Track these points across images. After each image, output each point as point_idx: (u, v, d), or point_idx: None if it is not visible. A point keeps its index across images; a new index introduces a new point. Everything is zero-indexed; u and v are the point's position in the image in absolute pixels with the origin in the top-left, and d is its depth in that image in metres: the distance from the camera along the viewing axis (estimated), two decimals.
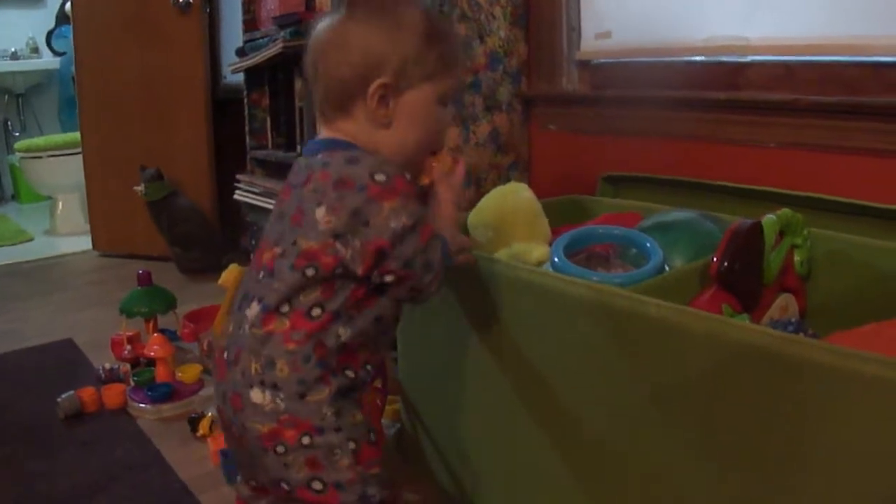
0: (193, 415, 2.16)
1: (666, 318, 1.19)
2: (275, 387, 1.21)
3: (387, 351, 1.39)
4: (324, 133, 1.33)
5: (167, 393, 2.31)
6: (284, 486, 1.23)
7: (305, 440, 1.20)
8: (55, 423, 2.24)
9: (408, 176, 1.24)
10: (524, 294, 1.42)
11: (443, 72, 1.30)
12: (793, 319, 1.46)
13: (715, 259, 1.43)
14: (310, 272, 1.21)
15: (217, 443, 1.97)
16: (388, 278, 1.22)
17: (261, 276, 1.26)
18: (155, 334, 2.48)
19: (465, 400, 1.62)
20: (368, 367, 1.29)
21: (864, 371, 0.96)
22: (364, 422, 1.27)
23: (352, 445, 1.22)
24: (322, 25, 1.31)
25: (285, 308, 1.22)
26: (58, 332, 3.03)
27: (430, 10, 1.32)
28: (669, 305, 1.20)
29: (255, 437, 1.23)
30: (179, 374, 2.40)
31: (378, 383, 1.78)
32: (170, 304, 2.65)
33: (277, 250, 1.25)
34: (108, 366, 2.50)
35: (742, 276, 1.44)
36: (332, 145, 1.28)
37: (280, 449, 1.21)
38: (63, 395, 2.28)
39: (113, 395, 2.33)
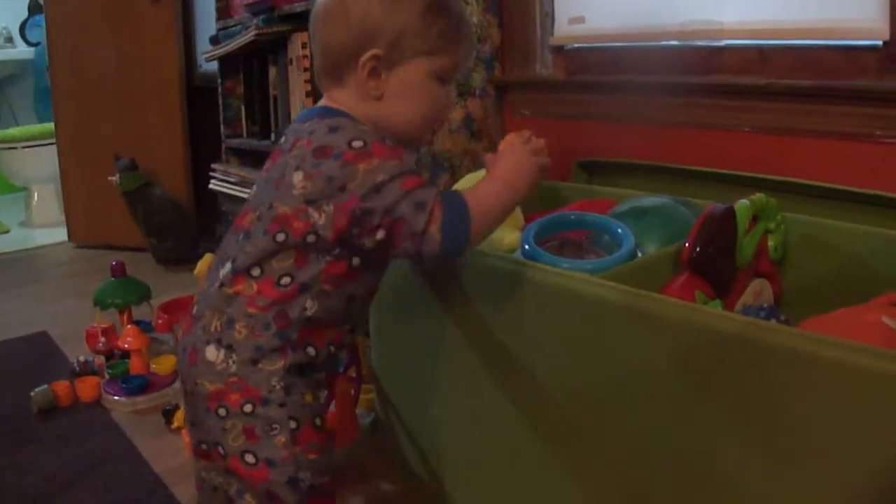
0: (168, 407, 2.15)
1: (636, 305, 1.18)
2: (230, 347, 1.21)
3: (358, 331, 1.36)
4: (321, 101, 1.31)
5: (141, 385, 2.29)
6: (221, 450, 1.23)
7: (247, 408, 1.20)
8: (29, 417, 2.23)
9: (389, 142, 1.20)
10: (496, 282, 1.41)
11: (442, 48, 1.26)
12: (765, 305, 1.46)
13: (687, 245, 1.42)
14: (280, 237, 1.19)
15: None
16: (380, 235, 1.17)
17: (240, 237, 1.25)
18: (129, 326, 2.45)
19: (439, 389, 1.61)
20: (332, 347, 1.28)
21: (832, 357, 0.96)
22: (313, 405, 1.26)
23: (292, 424, 1.21)
24: None
25: (256, 272, 1.21)
26: (32, 324, 3.02)
27: None
28: (639, 292, 1.19)
29: (202, 396, 1.23)
30: (154, 366, 2.39)
31: (352, 371, 1.78)
32: (143, 295, 2.63)
33: (256, 214, 1.24)
34: (82, 358, 2.49)
35: (715, 262, 1.43)
36: (323, 113, 1.25)
37: (222, 411, 1.21)
38: (37, 389, 2.26)
39: (87, 388, 2.31)
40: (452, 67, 1.30)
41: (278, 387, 1.21)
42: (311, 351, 1.25)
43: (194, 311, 1.29)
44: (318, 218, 1.18)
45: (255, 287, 1.21)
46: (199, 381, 1.23)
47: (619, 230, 1.54)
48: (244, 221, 1.26)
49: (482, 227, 1.22)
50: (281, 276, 1.20)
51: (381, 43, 1.22)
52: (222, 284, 1.24)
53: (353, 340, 1.37)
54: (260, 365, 1.20)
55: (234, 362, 1.20)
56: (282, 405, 1.21)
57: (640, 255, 1.54)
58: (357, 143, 1.17)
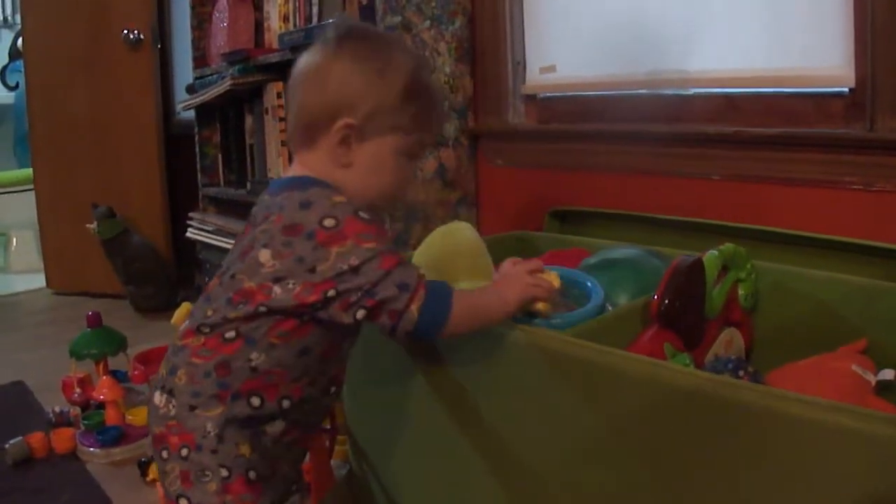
0: (143, 459, 2.13)
1: (601, 361, 1.19)
2: (171, 392, 1.25)
3: (324, 392, 1.34)
4: (292, 166, 1.33)
5: (117, 436, 2.28)
6: (165, 492, 1.26)
7: (184, 451, 1.23)
8: (4, 469, 2.20)
9: (364, 215, 1.20)
10: (465, 337, 1.41)
11: (414, 128, 1.29)
12: (733, 357, 1.47)
13: (656, 298, 1.43)
14: (240, 307, 1.21)
15: None
16: (360, 314, 1.19)
17: (202, 300, 1.29)
18: (104, 377, 2.44)
19: (412, 442, 1.61)
20: (285, 402, 1.27)
21: (794, 412, 0.96)
22: (249, 457, 1.25)
23: (223, 472, 1.22)
24: (309, 55, 1.31)
25: (206, 329, 1.24)
26: (8, 373, 2.99)
27: (419, 62, 1.35)
28: (603, 349, 1.20)
29: (151, 440, 1.28)
30: (129, 417, 2.38)
31: (326, 423, 1.77)
32: (119, 345, 2.62)
33: (218, 280, 1.27)
34: (58, 409, 2.47)
35: (683, 315, 1.43)
36: (293, 184, 1.26)
37: (164, 454, 1.24)
38: (11, 441, 2.24)
39: (62, 439, 2.30)
40: (421, 146, 1.35)
41: (212, 433, 1.22)
42: (255, 402, 1.24)
43: None
44: (280, 293, 1.19)
45: (201, 340, 1.24)
46: (149, 426, 1.29)
47: (589, 283, 1.54)
48: (210, 285, 1.30)
49: (462, 320, 1.25)
50: (226, 331, 1.22)
51: (356, 114, 1.24)
52: (176, 338, 1.28)
53: (324, 397, 1.36)
54: (197, 411, 1.22)
55: (173, 406, 1.24)
56: (213, 452, 1.22)
57: (609, 307, 1.55)
58: (329, 222, 1.18)
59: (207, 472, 1.22)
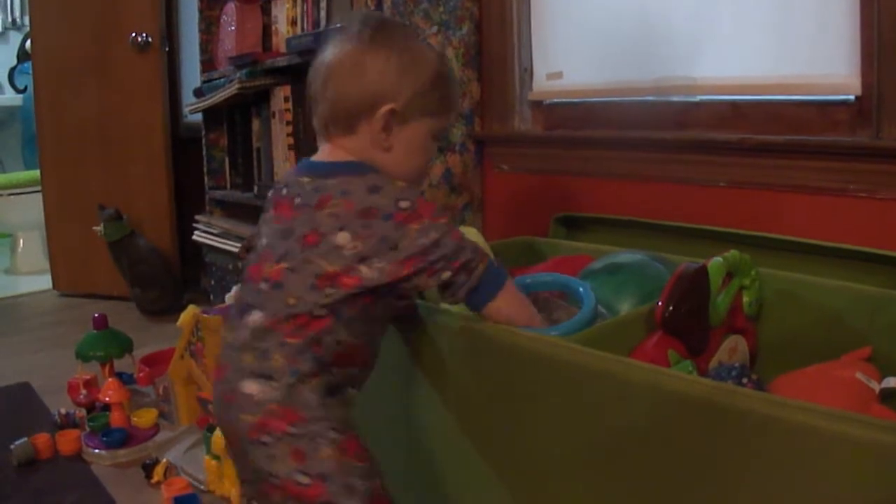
0: (148, 461, 2.13)
1: (603, 368, 1.19)
2: (268, 377, 1.26)
3: (377, 352, 1.42)
4: (326, 150, 1.41)
5: (122, 438, 2.28)
6: (274, 480, 1.25)
7: (291, 429, 1.23)
8: (8, 471, 2.20)
9: (425, 196, 1.34)
10: (466, 344, 1.42)
11: (442, 111, 1.42)
12: (736, 364, 1.46)
13: (660, 304, 1.43)
14: (330, 291, 1.26)
15: (171, 489, 1.94)
16: (445, 275, 1.29)
17: (261, 286, 1.31)
18: (110, 379, 2.45)
19: (414, 446, 1.61)
20: (356, 369, 1.36)
21: (796, 420, 0.96)
22: (348, 419, 1.30)
23: (333, 435, 1.25)
24: (338, 47, 1.38)
25: (292, 315, 1.27)
26: (14, 375, 2.99)
27: (442, 54, 1.50)
28: (606, 356, 1.20)
29: (244, 430, 1.26)
30: (135, 419, 2.37)
31: None
32: (125, 347, 2.63)
33: (285, 265, 1.30)
34: (63, 411, 2.47)
35: (687, 321, 1.44)
36: (346, 170, 1.35)
37: (266, 439, 1.24)
38: (16, 442, 2.24)
39: (67, 441, 2.30)
40: (445, 128, 1.49)
41: (316, 404, 1.25)
42: (341, 371, 1.31)
43: (221, 362, 1.33)
44: (369, 273, 1.26)
45: (291, 322, 1.27)
46: (240, 416, 1.26)
47: (581, 289, 1.53)
48: (265, 272, 1.32)
49: (511, 300, 1.37)
50: (315, 310, 1.26)
51: (398, 100, 1.35)
52: (255, 326, 1.29)
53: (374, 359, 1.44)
54: (299, 388, 1.25)
55: (273, 389, 1.25)
56: (322, 419, 1.25)
57: (604, 311, 1.55)
58: (404, 204, 1.29)
59: (319, 440, 1.24)
